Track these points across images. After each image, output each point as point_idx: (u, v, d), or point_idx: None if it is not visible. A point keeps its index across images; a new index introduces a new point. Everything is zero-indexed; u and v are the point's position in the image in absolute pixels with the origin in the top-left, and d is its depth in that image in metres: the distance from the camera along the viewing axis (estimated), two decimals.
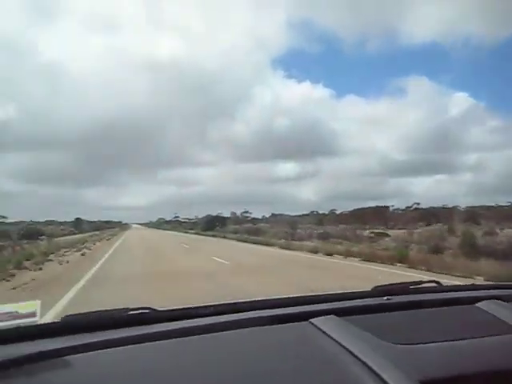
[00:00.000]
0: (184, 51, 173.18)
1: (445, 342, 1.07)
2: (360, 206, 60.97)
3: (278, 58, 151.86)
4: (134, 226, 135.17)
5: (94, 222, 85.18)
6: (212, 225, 58.32)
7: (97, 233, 53.55)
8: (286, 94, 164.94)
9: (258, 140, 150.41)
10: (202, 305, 1.30)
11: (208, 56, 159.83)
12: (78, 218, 71.93)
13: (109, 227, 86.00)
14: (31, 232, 32.65)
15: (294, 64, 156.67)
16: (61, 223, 66.71)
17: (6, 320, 1.01)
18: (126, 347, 1.00)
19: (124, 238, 43.38)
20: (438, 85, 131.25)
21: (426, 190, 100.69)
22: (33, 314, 1.03)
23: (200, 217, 74.86)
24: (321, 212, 62.76)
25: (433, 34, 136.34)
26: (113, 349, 0.99)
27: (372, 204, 73.33)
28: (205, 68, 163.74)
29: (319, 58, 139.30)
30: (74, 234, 47.54)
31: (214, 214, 68.10)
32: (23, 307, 1.03)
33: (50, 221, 65.22)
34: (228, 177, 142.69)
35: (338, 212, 60.62)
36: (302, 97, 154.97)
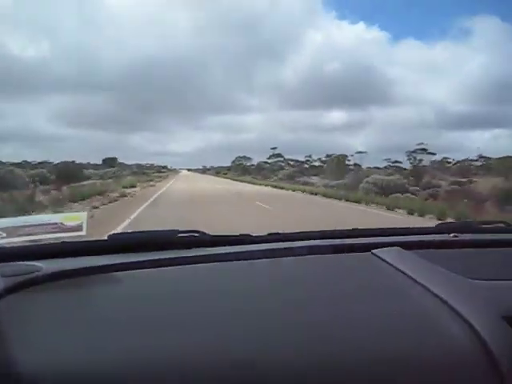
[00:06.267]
0: None
1: None
2: None
3: None
4: (183, 171, 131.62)
5: (141, 165, 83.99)
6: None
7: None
8: (337, 37, 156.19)
9: (307, 86, 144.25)
10: (257, 234, 1.21)
11: None
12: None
13: (153, 172, 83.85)
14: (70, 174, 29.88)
15: (347, 4, 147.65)
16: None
17: (51, 232, 0.96)
18: (174, 267, 0.95)
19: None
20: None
21: (485, 145, 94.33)
22: (79, 228, 0.98)
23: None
24: None
25: None
26: (161, 268, 0.94)
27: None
28: (252, 5, 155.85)
29: None
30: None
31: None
32: (69, 218, 0.98)
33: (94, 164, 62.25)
34: (275, 124, 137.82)
35: None
36: (354, 40, 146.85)
